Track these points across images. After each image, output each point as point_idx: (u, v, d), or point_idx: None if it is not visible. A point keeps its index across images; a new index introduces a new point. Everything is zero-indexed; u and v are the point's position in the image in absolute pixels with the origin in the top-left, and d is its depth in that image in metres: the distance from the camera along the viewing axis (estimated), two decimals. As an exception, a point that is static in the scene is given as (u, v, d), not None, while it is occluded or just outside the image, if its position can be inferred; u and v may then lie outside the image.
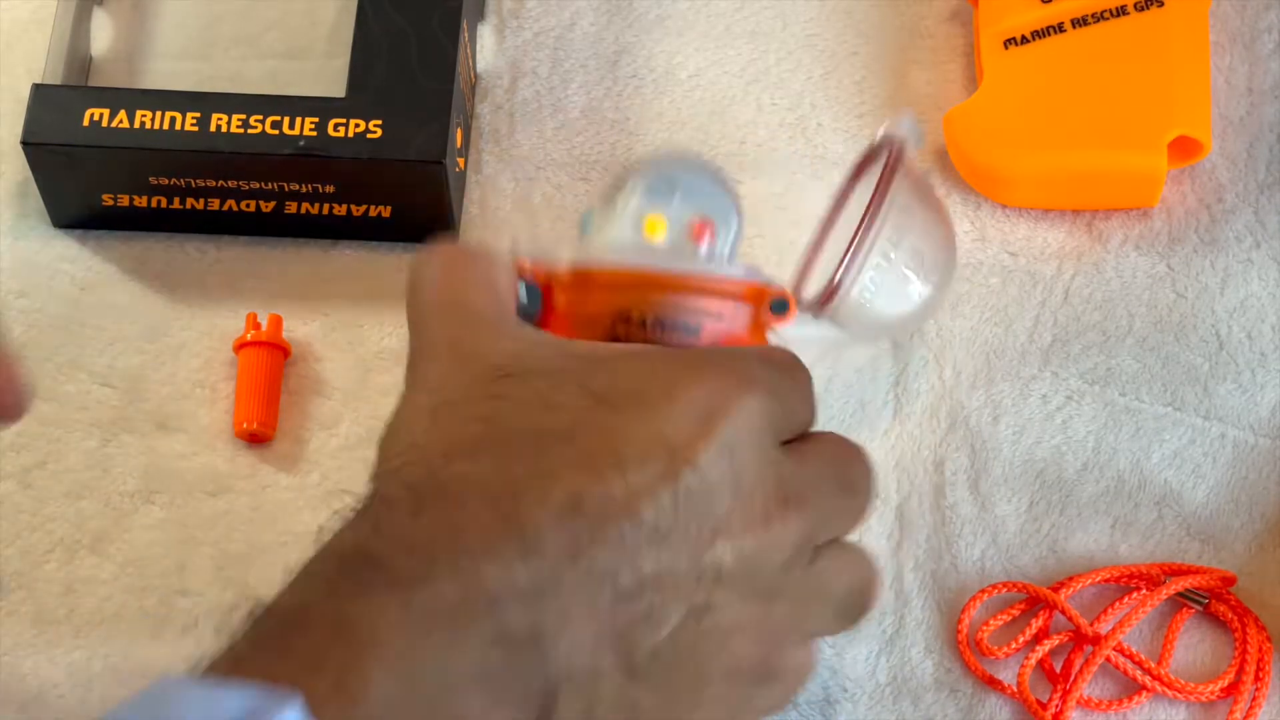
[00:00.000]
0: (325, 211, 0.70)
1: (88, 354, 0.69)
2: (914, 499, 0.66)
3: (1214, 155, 0.71)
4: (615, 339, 0.53)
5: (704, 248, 0.54)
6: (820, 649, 0.65)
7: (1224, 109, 0.71)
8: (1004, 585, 0.65)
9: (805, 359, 0.53)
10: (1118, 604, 0.64)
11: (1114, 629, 0.63)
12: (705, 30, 0.75)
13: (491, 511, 0.46)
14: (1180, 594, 0.64)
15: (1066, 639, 0.64)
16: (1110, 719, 0.63)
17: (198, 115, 0.68)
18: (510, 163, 0.72)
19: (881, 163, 0.58)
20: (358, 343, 0.69)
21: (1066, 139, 0.69)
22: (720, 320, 0.53)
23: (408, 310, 0.53)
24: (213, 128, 0.68)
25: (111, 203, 0.70)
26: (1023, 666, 0.63)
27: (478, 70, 0.73)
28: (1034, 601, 0.64)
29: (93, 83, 0.73)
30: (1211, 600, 0.64)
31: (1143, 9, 0.70)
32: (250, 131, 0.68)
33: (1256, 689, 0.63)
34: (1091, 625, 0.63)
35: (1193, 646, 0.64)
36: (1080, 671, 0.63)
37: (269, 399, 0.67)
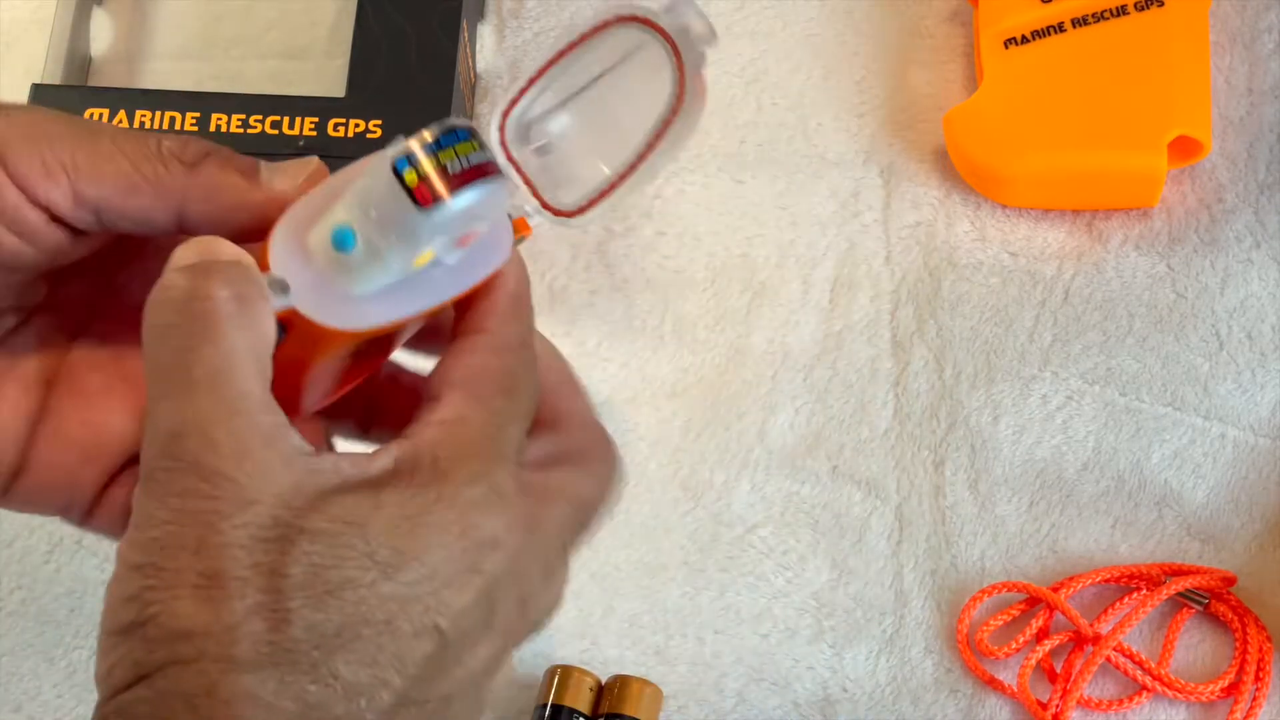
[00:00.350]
0: (325, 211, 0.70)
1: (88, 354, 0.69)
2: (914, 499, 0.66)
3: (1214, 155, 0.71)
4: (358, 352, 0.47)
5: (469, 247, 0.46)
6: (820, 649, 0.65)
7: (1224, 109, 0.71)
8: (1004, 585, 0.65)
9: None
10: (1118, 604, 0.64)
11: (1114, 629, 0.63)
12: (705, 30, 0.75)
13: None
14: (1180, 594, 0.64)
15: (1066, 639, 0.64)
16: (1110, 719, 0.63)
17: (197, 115, 0.68)
18: (510, 163, 0.72)
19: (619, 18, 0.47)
20: (358, 343, 0.69)
21: (1066, 139, 0.69)
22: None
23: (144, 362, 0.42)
24: (212, 128, 0.68)
25: (111, 203, 0.70)
26: (1023, 666, 0.63)
27: (478, 70, 0.73)
28: (1034, 601, 0.64)
29: (92, 83, 0.73)
30: (1212, 600, 0.64)
31: (1143, 9, 0.70)
32: (250, 131, 0.68)
33: (1257, 689, 0.63)
34: (1091, 625, 0.63)
35: (1193, 646, 0.64)
36: (1080, 671, 0.63)
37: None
